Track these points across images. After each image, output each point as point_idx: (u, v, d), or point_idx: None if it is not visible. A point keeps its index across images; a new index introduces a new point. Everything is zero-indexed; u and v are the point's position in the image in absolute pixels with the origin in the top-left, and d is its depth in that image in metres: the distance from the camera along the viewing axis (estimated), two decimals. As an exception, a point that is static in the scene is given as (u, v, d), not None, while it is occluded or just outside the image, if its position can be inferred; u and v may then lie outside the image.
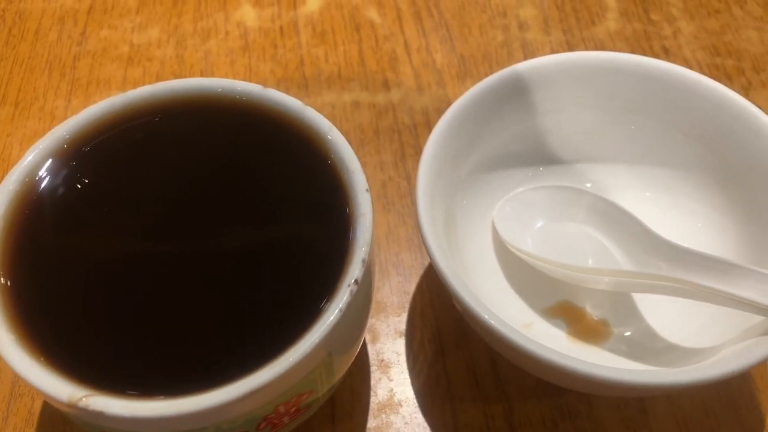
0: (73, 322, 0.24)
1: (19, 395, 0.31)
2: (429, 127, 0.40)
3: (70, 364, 0.22)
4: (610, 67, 0.32)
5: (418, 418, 0.31)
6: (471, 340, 0.32)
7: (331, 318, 0.22)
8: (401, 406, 0.31)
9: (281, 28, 0.45)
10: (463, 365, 0.32)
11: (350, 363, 0.27)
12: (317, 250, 0.25)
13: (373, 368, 0.32)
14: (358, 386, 0.31)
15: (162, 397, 0.21)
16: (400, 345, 0.33)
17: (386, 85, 0.42)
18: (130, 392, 0.21)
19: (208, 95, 0.28)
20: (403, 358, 0.32)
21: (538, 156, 0.34)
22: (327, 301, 0.23)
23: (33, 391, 0.31)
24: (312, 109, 0.28)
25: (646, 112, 0.32)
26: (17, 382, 0.32)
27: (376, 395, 0.31)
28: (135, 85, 0.42)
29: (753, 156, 0.30)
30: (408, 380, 0.32)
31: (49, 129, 0.40)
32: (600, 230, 0.32)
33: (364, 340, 0.33)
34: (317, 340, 0.22)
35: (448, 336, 0.33)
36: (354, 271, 0.23)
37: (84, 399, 0.21)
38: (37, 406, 0.31)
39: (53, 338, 0.23)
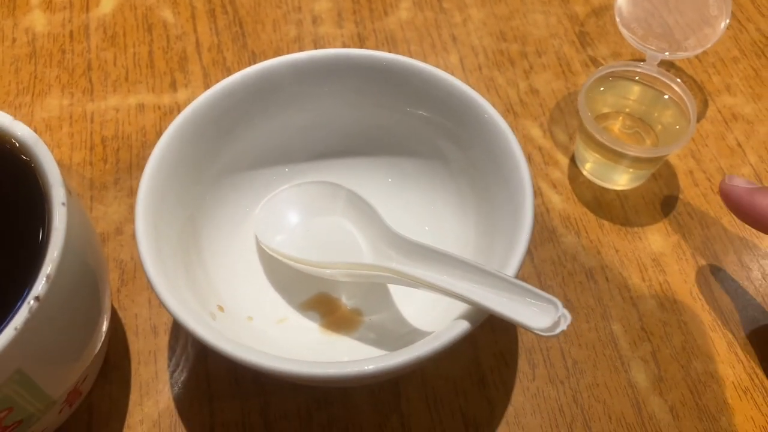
0: None
1: None
2: (213, 126, 0.40)
3: None
4: (357, 63, 0.33)
5: (175, 419, 0.31)
6: (234, 339, 0.33)
7: (6, 337, 0.22)
8: (159, 409, 0.31)
9: (71, 33, 0.44)
10: (224, 364, 0.32)
11: (73, 376, 0.27)
12: (8, 267, 0.25)
13: (134, 373, 0.32)
14: (116, 393, 0.32)
15: None
16: (163, 349, 0.33)
17: (174, 86, 0.42)
18: None
19: None
20: (165, 362, 0.33)
21: (296, 153, 0.35)
22: (7, 320, 0.23)
23: None
24: (21, 123, 0.27)
25: (390, 104, 0.33)
26: None
27: (136, 400, 0.32)
28: None
29: (482, 145, 0.31)
30: (168, 385, 0.32)
31: None
32: (353, 223, 0.33)
33: (127, 345, 0.33)
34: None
35: (212, 336, 0.33)
36: (36, 288, 0.23)
37: None
38: None
39: None
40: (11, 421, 0.25)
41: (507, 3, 0.46)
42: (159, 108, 0.41)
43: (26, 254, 0.25)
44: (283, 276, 0.33)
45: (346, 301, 0.33)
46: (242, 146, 0.33)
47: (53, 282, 0.24)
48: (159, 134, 0.40)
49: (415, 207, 0.34)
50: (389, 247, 0.30)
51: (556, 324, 0.23)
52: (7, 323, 0.23)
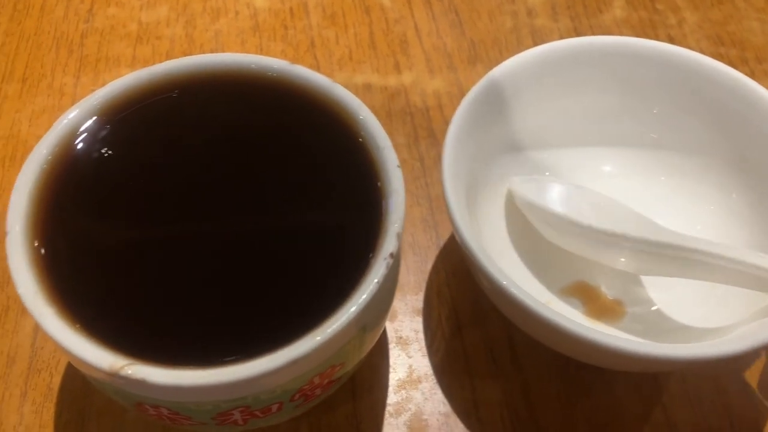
0: (108, 291, 0.24)
1: (37, 371, 0.31)
2: (441, 110, 0.40)
3: (108, 334, 0.22)
4: (631, 52, 0.33)
5: (438, 393, 0.31)
6: (488, 319, 0.33)
7: (370, 289, 0.23)
8: (420, 382, 0.31)
9: (291, 9, 0.45)
10: (480, 342, 0.32)
11: (377, 339, 0.27)
12: (351, 225, 0.25)
13: (391, 345, 0.32)
14: (377, 363, 0.32)
15: (199, 366, 0.21)
16: (418, 323, 0.33)
17: (397, 68, 0.42)
18: (169, 362, 0.21)
19: (238, 70, 0.28)
20: (421, 336, 0.33)
21: (557, 138, 0.35)
22: (364, 275, 0.23)
23: (51, 366, 0.31)
24: (340, 86, 0.28)
25: (664, 97, 0.33)
26: (35, 357, 0.31)
27: (396, 371, 0.32)
28: (145, 64, 0.42)
29: (765, 142, 0.31)
30: (426, 357, 0.32)
31: (59, 106, 0.40)
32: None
33: (383, 318, 0.33)
34: (357, 311, 0.22)
35: (464, 314, 0.33)
36: (389, 245, 0.23)
37: (125, 368, 0.21)
38: (56, 381, 0.31)
39: (89, 307, 0.23)
40: (336, 376, 0.25)
41: (720, 9, 0.46)
42: (386, 89, 0.41)
43: (369, 214, 0.25)
44: (538, 261, 0.33)
45: (606, 290, 0.32)
46: (513, 127, 0.33)
47: (400, 239, 0.24)
48: (389, 114, 0.40)
49: (686, 206, 0.33)
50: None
51: None
52: (368, 278, 0.23)
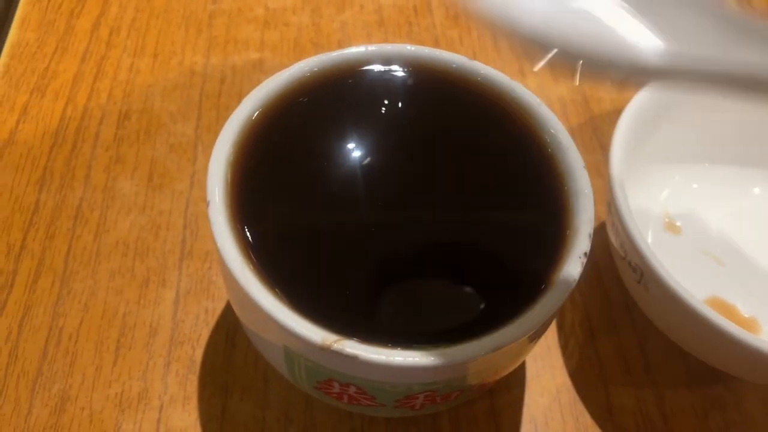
0: (308, 267, 0.24)
1: (179, 343, 0.31)
2: (567, 117, 0.41)
3: (312, 309, 0.22)
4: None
5: (573, 396, 0.31)
6: (620, 327, 0.33)
7: (567, 284, 0.23)
8: (556, 383, 0.32)
9: (415, 7, 0.45)
10: (613, 351, 0.33)
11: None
12: (540, 223, 0.25)
13: (527, 345, 0.33)
14: (514, 361, 0.32)
15: (402, 347, 0.22)
16: (551, 327, 0.33)
17: (522, 72, 0.42)
18: (373, 340, 0.22)
19: (419, 61, 0.28)
20: (555, 340, 0.33)
21: (707, 153, 0.35)
22: (558, 271, 0.23)
23: (193, 339, 0.32)
24: (519, 84, 0.28)
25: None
26: (176, 329, 0.32)
27: (531, 371, 0.32)
28: (273, 49, 0.42)
29: None
30: (561, 360, 0.32)
31: (190, 84, 0.41)
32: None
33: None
34: (557, 304, 0.22)
35: (597, 321, 0.34)
36: (583, 245, 0.24)
37: (338, 343, 0.21)
38: (198, 354, 0.31)
39: (291, 281, 0.23)
40: (508, 370, 0.25)
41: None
42: (511, 92, 0.41)
43: (557, 214, 0.25)
44: (673, 275, 0.33)
45: (742, 307, 0.33)
46: (660, 140, 0.33)
47: (592, 240, 0.24)
48: (515, 117, 0.40)
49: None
50: None
51: None
52: (562, 274, 0.23)
